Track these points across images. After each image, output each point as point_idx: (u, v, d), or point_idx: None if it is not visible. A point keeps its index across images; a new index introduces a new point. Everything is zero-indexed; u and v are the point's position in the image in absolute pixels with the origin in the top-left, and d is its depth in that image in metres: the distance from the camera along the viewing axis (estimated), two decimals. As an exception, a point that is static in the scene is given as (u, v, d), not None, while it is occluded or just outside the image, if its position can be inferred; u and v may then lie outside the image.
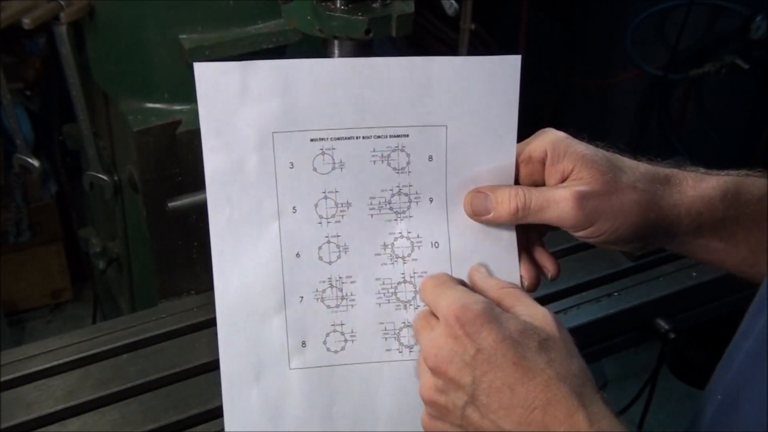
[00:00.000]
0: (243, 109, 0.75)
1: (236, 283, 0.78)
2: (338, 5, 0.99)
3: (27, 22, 1.38)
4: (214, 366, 1.20)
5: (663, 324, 1.35)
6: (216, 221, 0.77)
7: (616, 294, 1.37)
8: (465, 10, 1.81)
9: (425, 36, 2.47)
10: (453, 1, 1.23)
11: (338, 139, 0.77)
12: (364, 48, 1.03)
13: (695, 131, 2.70)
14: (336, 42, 1.02)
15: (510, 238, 0.80)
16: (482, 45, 2.32)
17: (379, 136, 0.77)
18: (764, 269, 0.72)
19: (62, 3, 1.39)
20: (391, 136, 0.77)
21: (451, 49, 2.14)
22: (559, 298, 1.34)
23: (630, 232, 0.79)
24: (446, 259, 0.80)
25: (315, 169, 0.77)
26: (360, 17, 0.98)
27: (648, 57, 2.48)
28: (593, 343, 1.38)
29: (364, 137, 0.77)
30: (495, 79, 0.76)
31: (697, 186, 0.80)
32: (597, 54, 2.62)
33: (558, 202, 0.76)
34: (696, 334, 1.41)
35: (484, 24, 2.06)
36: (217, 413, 1.14)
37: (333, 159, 0.77)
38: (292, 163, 0.77)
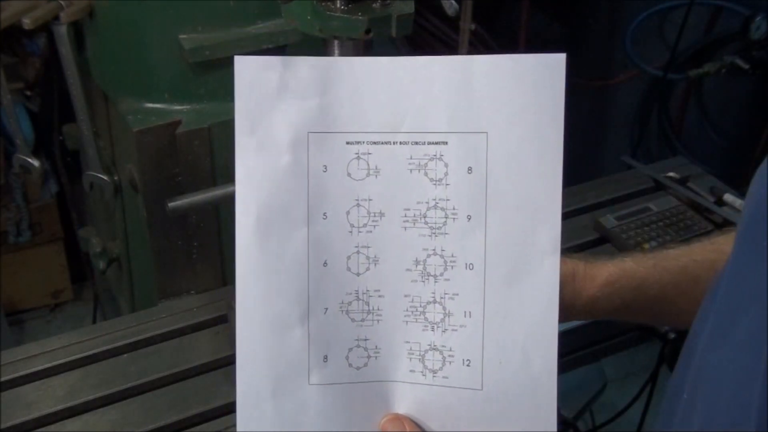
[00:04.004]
0: (280, 107, 0.72)
1: (259, 290, 0.74)
2: (338, 5, 0.99)
3: (27, 22, 1.38)
4: (214, 366, 1.20)
5: (663, 324, 1.35)
6: (243, 223, 0.73)
7: (616, 294, 1.36)
8: (465, 10, 1.80)
9: (425, 36, 2.47)
10: (453, 1, 1.23)
11: (375, 143, 0.73)
12: (364, 48, 1.03)
13: (695, 131, 2.70)
14: (336, 42, 1.02)
15: (552, 265, 0.74)
16: (482, 45, 2.32)
17: (416, 143, 0.73)
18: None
19: (62, 3, 1.39)
20: (429, 143, 0.73)
21: (451, 50, 2.14)
22: (559, 298, 1.34)
23: None
24: (480, 283, 0.74)
25: (349, 174, 0.73)
26: (360, 17, 0.98)
27: (648, 57, 2.48)
28: (593, 343, 1.37)
29: (401, 143, 0.73)
30: (539, 81, 0.71)
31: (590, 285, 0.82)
32: (597, 54, 2.61)
33: None
34: (696, 334, 1.41)
35: (484, 24, 2.06)
36: (217, 413, 1.14)
37: (368, 164, 0.73)
38: (325, 167, 0.73)
